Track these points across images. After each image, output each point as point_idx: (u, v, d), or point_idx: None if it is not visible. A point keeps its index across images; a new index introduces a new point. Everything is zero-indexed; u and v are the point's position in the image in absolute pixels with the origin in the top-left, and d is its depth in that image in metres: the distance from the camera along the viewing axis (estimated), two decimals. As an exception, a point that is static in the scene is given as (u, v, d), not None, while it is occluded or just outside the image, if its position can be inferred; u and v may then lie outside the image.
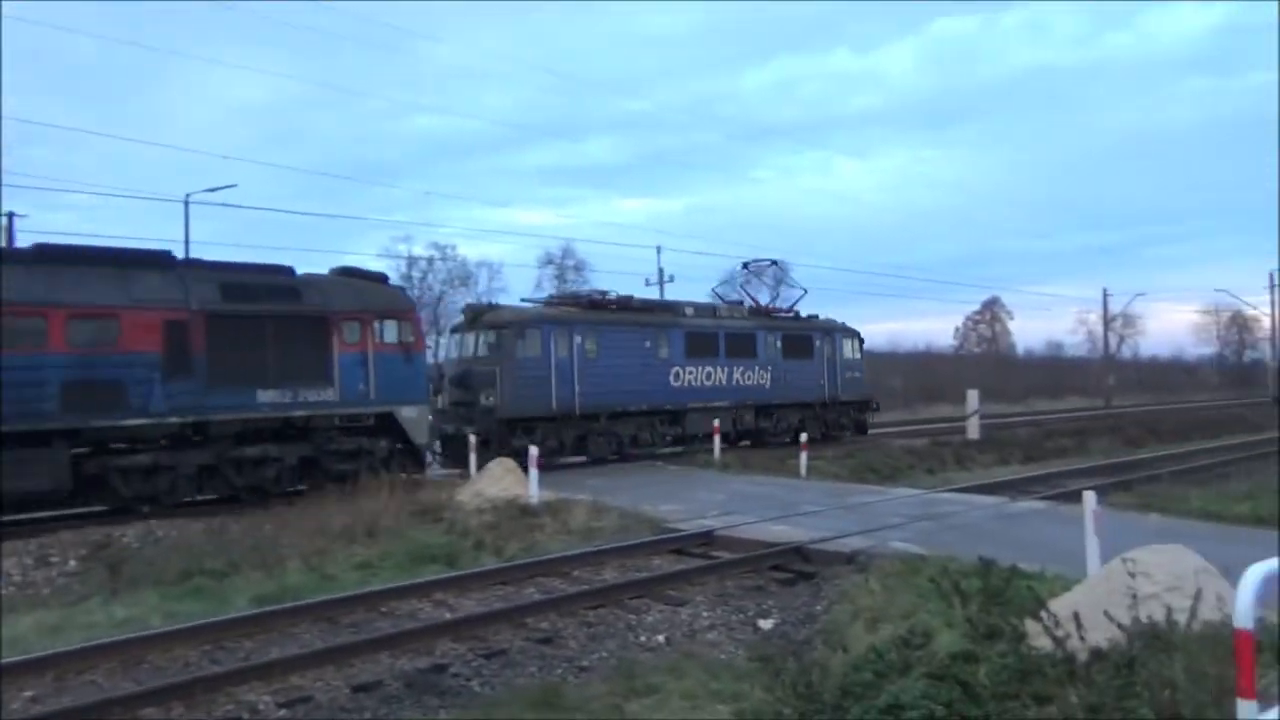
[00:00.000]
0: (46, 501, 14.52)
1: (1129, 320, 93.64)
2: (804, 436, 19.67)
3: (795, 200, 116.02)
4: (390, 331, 18.01)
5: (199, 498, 15.53)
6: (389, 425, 17.55)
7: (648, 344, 23.74)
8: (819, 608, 8.53)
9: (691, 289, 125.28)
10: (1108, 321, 71.41)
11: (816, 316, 28.44)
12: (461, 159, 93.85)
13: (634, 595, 9.11)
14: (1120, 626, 5.10)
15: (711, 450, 21.50)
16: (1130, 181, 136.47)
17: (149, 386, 15.34)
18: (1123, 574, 5.78)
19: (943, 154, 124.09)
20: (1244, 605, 3.11)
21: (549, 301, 23.83)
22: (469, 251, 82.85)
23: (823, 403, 27.67)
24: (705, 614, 8.57)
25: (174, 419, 15.48)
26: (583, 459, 19.91)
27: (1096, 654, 4.89)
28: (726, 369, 25.29)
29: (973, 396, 28.80)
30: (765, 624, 8.14)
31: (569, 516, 13.01)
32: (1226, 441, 30.78)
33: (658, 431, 22.96)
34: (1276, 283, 62.38)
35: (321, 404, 17.13)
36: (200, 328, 15.76)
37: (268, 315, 16.47)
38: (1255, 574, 3.23)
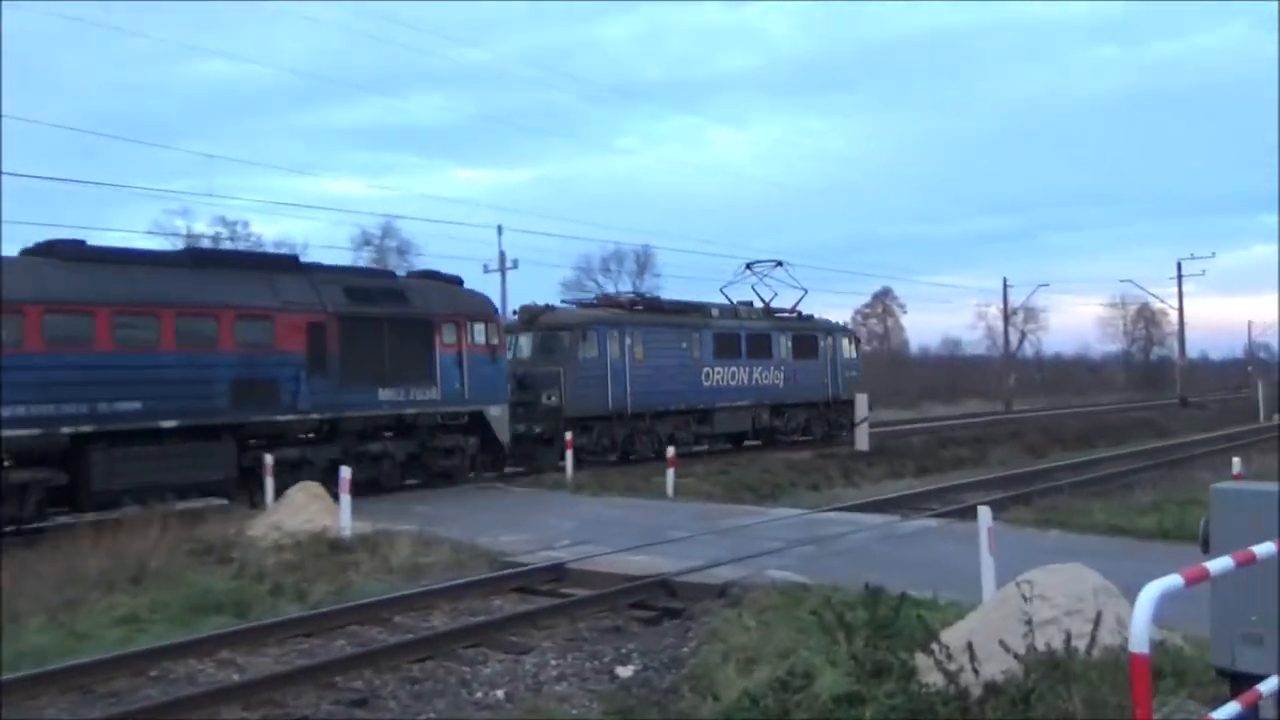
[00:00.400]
0: (217, 490, 18.47)
1: (1031, 314, 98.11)
2: (671, 451, 19.86)
3: (664, 174, 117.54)
4: (479, 333, 22.63)
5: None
6: (478, 424, 22.14)
7: (684, 345, 29.25)
8: (686, 649, 8.70)
9: (540, 277, 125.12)
10: (1008, 316, 75.35)
11: (812, 317, 34.53)
12: (253, 116, 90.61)
13: (468, 644, 9.07)
14: (1016, 656, 5.41)
15: (563, 469, 22.05)
16: (1029, 160, 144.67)
17: (296, 384, 19.64)
18: (1019, 598, 6.14)
19: (827, 124, 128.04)
20: (1139, 628, 3.35)
21: (590, 304, 29.63)
22: (264, 229, 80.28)
23: (826, 401, 33.51)
24: (554, 662, 8.61)
25: (315, 415, 19.79)
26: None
27: (991, 688, 5.18)
28: (748, 369, 30.98)
29: (861, 402, 30.21)
30: (624, 671, 8.26)
31: (390, 551, 12.85)
32: (1132, 448, 32.86)
33: (690, 430, 28.02)
34: (1182, 273, 66.66)
35: (427, 402, 21.61)
36: (334, 329, 20.13)
37: (384, 318, 20.86)
38: (1151, 593, 3.49)
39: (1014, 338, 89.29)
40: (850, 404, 32.39)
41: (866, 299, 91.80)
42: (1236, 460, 16.50)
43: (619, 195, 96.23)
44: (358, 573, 12.12)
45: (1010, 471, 25.66)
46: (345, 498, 14.38)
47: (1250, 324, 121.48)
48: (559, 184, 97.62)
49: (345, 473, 14.65)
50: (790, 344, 32.53)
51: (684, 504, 17.84)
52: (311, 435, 19.60)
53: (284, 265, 20.69)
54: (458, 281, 23.03)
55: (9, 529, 16.00)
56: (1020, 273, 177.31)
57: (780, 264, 34.40)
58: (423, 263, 53.19)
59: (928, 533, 14.05)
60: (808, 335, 33.55)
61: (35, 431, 16.35)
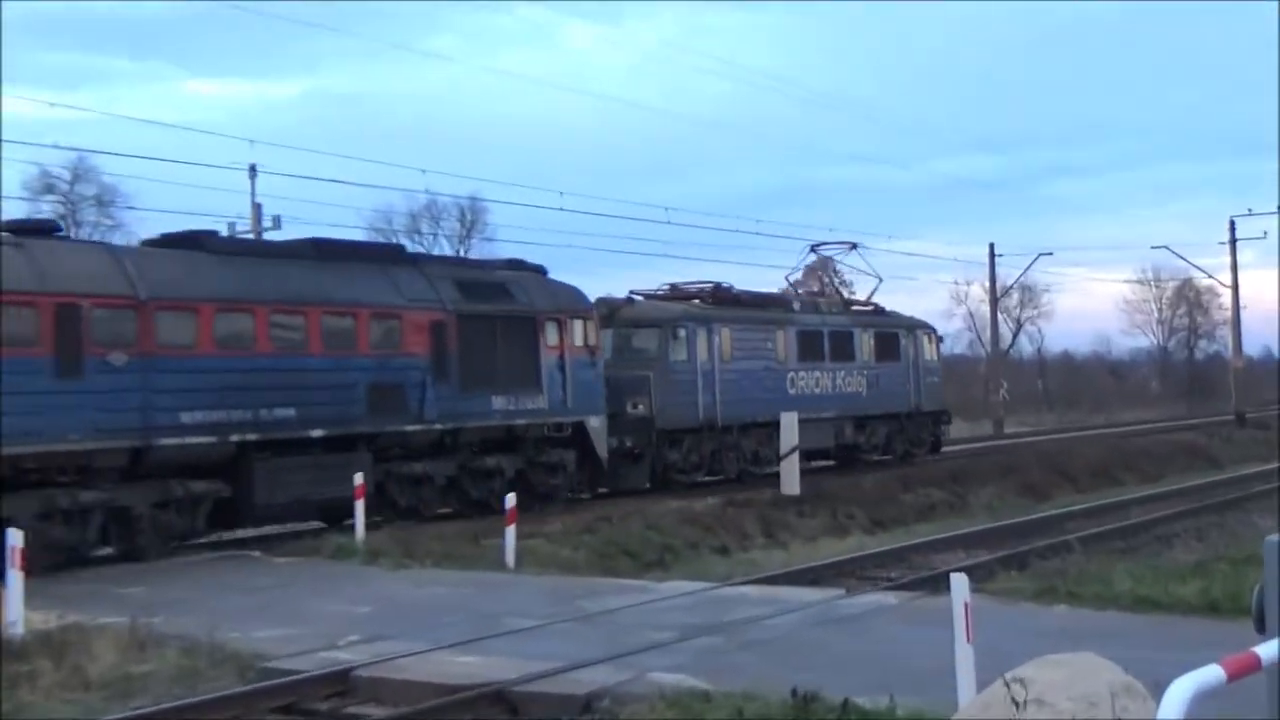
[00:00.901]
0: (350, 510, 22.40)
1: (1029, 295, 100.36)
2: (511, 500, 20.54)
3: (497, 92, 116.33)
4: (578, 333, 28.27)
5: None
6: (578, 436, 27.79)
7: (769, 344, 35.40)
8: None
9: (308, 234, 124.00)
10: (996, 298, 77.44)
11: (884, 309, 41.30)
12: None
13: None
14: (1003, 789, 5.60)
15: (350, 529, 22.46)
16: (1022, 78, 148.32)
17: (422, 391, 24.94)
18: (1008, 703, 6.36)
19: (735, 21, 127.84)
20: (1165, 742, 3.52)
21: (659, 295, 35.00)
22: None
23: (908, 413, 39.89)
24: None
25: (438, 426, 25.21)
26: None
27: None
28: (831, 374, 37.00)
29: (788, 424, 31.03)
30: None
31: (87, 656, 12.71)
32: (1170, 486, 35.47)
33: (774, 446, 32.16)
34: (1237, 236, 69.29)
35: (535, 412, 27.22)
36: (453, 329, 25.63)
37: (495, 316, 26.48)
38: (1181, 692, 3.67)
39: (1006, 329, 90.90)
40: (934, 416, 40.34)
41: (796, 271, 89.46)
42: None
43: (432, 122, 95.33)
44: (34, 690, 11.91)
45: (1000, 522, 26.82)
46: (14, 578, 14.23)
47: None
48: (341, 104, 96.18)
49: (14, 539, 14.81)
50: (873, 343, 38.64)
51: (531, 577, 18.18)
52: (431, 448, 25.43)
53: (397, 256, 27.06)
54: (542, 271, 28.76)
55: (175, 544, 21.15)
56: (1013, 237, 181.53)
57: (855, 246, 41.57)
58: (140, 222, 52.47)
59: (881, 613, 14.55)
60: (889, 333, 39.75)
61: (210, 439, 21.88)
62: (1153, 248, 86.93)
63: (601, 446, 28.49)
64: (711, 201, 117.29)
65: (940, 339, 43.92)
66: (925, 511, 29.06)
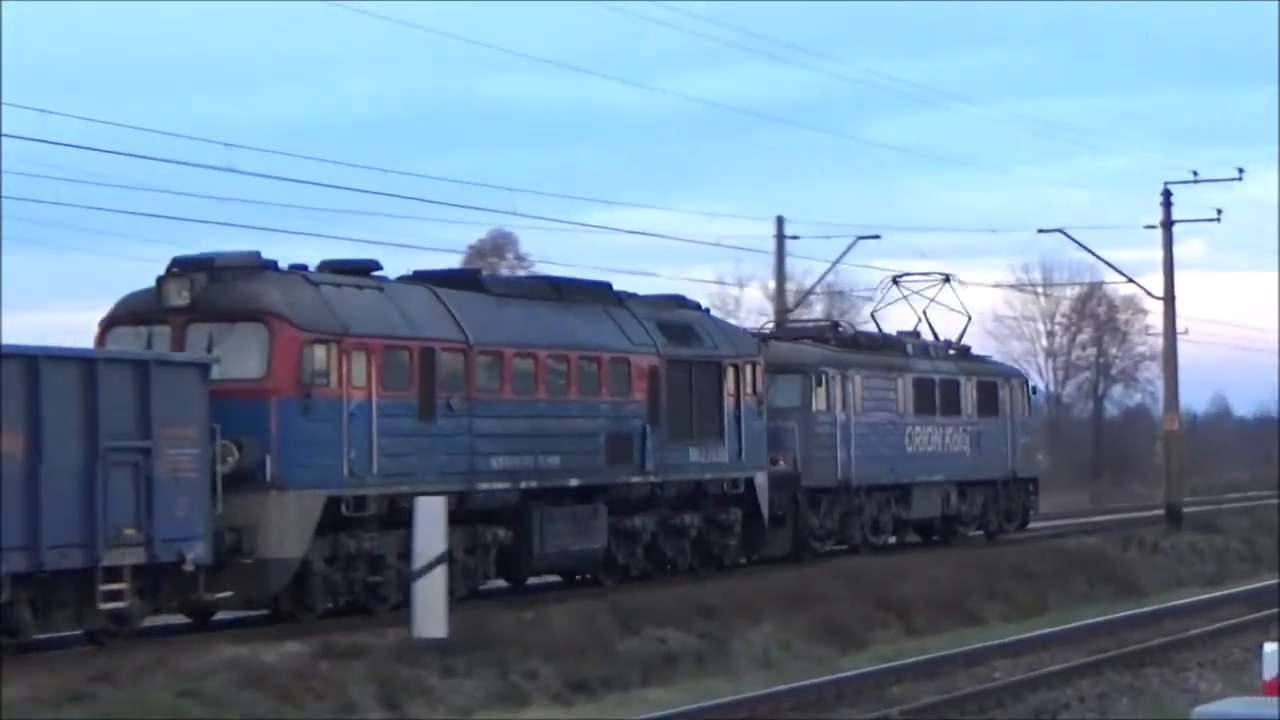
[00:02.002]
0: (585, 569, 25.91)
1: (837, 299, 64.60)
2: None
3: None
4: (749, 379, 28.78)
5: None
6: (745, 494, 28.69)
7: (891, 395, 34.77)
8: None
9: None
10: (786, 307, 50.85)
11: (972, 352, 40.41)
12: None
13: None
14: None
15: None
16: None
17: (642, 440, 25.79)
18: None
19: None
20: None
21: (777, 336, 34.87)
22: None
23: (1006, 479, 38.79)
24: None
25: (652, 478, 26.18)
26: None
27: None
28: (941, 430, 36.01)
29: (429, 514, 19.90)
30: None
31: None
32: (1057, 625, 25.83)
33: (890, 513, 33.71)
34: (1173, 216, 45.96)
35: (718, 465, 27.99)
36: (664, 375, 26.63)
37: (692, 361, 27.42)
38: None
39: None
40: (1029, 484, 39.63)
41: (460, 251, 60.41)
42: (1272, 648, 11.33)
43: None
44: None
45: (778, 686, 18.67)
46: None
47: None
48: None
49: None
50: (975, 395, 38.03)
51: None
52: (639, 502, 26.53)
53: (609, 295, 27.54)
54: (702, 309, 30.50)
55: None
56: (819, 206, 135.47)
57: (949, 279, 39.88)
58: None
59: None
60: (989, 382, 39.09)
61: (507, 486, 23.38)
62: (1041, 232, 47.53)
63: (765, 505, 29.35)
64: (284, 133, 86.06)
65: (1035, 389, 43.50)
66: (658, 666, 20.72)
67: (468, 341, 22.90)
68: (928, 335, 39.89)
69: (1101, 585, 32.24)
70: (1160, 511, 45.50)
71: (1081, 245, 48.08)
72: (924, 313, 38.83)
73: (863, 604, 25.61)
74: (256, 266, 21.28)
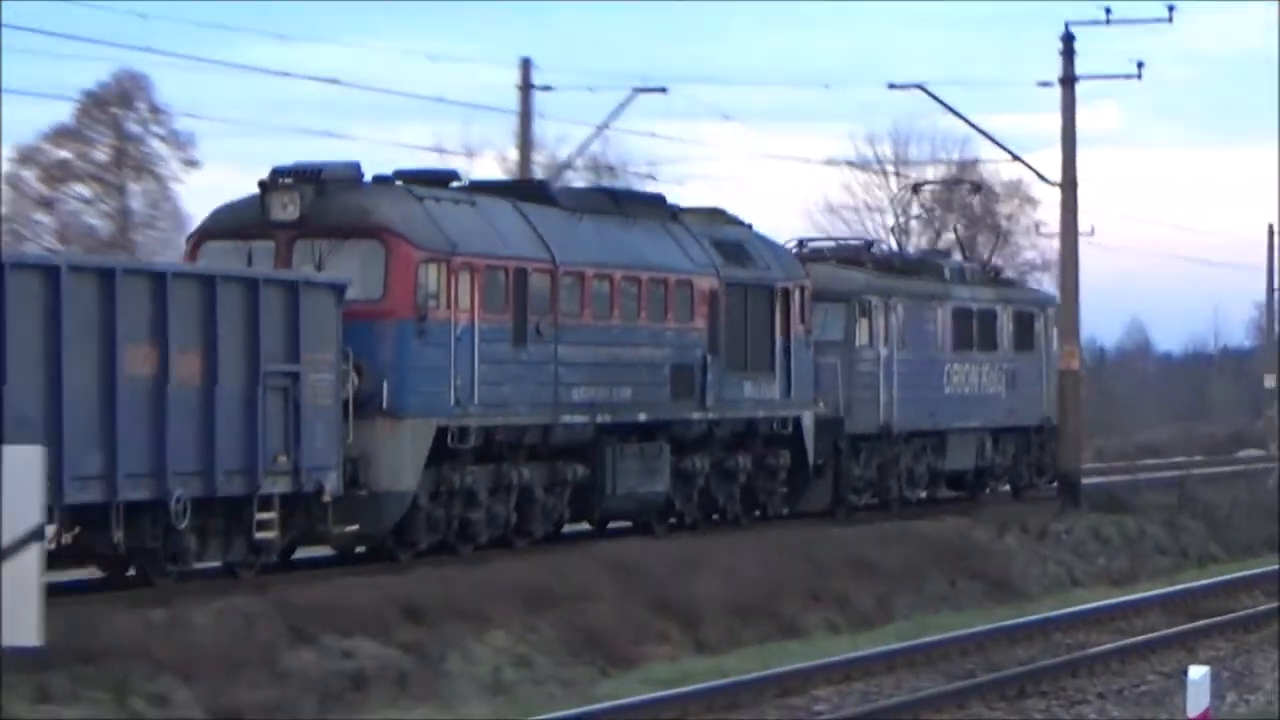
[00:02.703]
0: (647, 514, 27.90)
1: (610, 178, 58.51)
2: None
3: None
4: (797, 305, 30.56)
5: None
6: (793, 435, 30.59)
7: (931, 327, 36.02)
8: None
9: None
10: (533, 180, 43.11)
11: (1002, 274, 43.12)
12: None
13: None
14: None
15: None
16: None
17: (702, 373, 27.69)
18: None
19: None
20: None
21: (818, 254, 35.95)
22: None
23: (1038, 427, 39.89)
24: None
25: (711, 415, 28.16)
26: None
27: None
28: (978, 369, 37.42)
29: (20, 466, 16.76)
30: None
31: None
32: (903, 640, 22.42)
33: (925, 463, 35.24)
34: (1076, 72, 39.92)
35: (769, 403, 29.93)
36: (723, 300, 28.48)
37: (747, 284, 29.30)
38: None
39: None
40: (1055, 433, 39.93)
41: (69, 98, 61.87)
42: (1200, 673, 10.97)
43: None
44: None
45: None
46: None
47: (1273, 232, 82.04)
48: None
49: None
50: (1012, 328, 39.26)
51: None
52: (694, 443, 28.58)
53: (663, 208, 29.51)
54: (747, 225, 32.21)
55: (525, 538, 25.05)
56: (560, 45, 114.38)
57: (979, 189, 42.10)
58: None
59: None
60: (1026, 312, 40.40)
61: (584, 420, 25.50)
62: (893, 89, 41.20)
63: (811, 449, 31.16)
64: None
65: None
66: (341, 691, 17.33)
67: (554, 261, 24.92)
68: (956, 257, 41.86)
69: (968, 584, 28.24)
70: (1051, 483, 40.58)
71: (948, 108, 40.26)
72: (956, 229, 41.94)
73: (635, 605, 21.99)
74: (363, 179, 23.27)
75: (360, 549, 23.48)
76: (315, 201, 22.31)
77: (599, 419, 26.01)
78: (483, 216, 24.43)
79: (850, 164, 69.07)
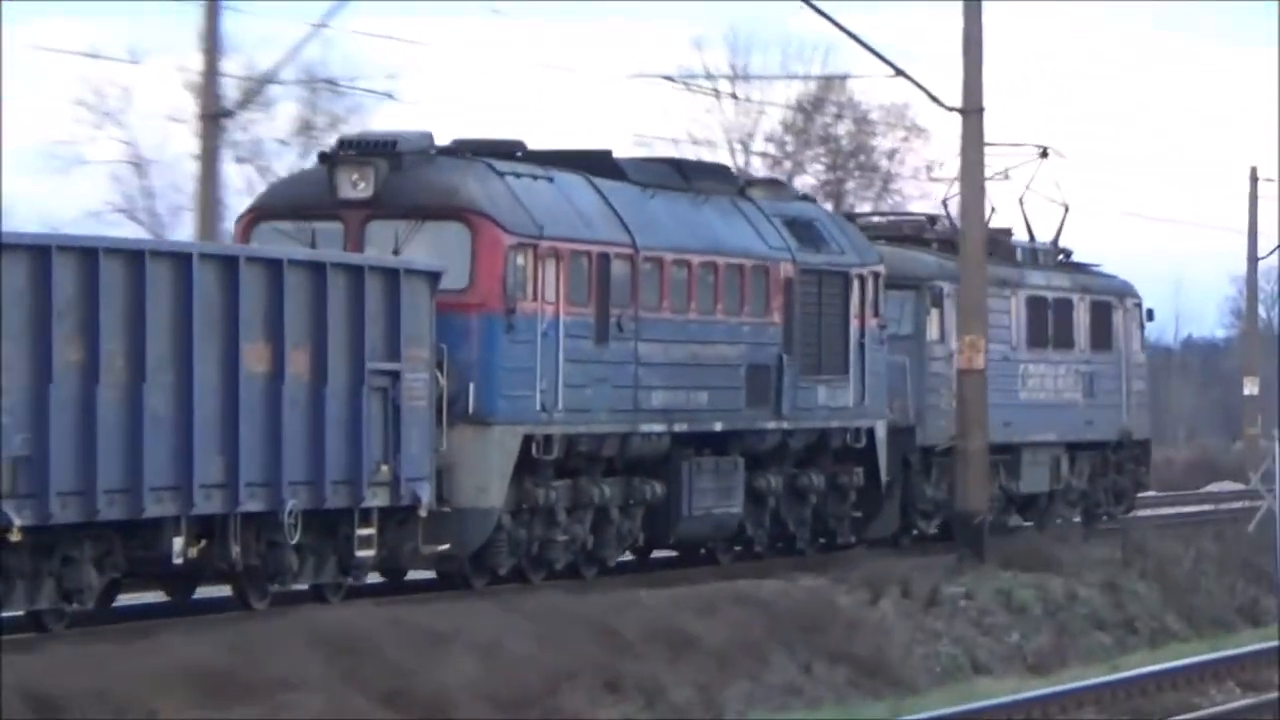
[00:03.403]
0: (719, 539, 28.91)
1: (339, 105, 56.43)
2: None
3: None
4: (871, 295, 31.21)
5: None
6: (865, 448, 31.14)
7: (1005, 320, 36.20)
8: None
9: None
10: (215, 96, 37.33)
11: (1072, 258, 41.84)
12: None
13: None
14: None
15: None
16: None
17: (778, 376, 28.54)
18: None
19: None
20: None
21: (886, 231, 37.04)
22: None
23: (1118, 442, 40.37)
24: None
25: (787, 424, 29.07)
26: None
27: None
28: (1054, 370, 38.06)
29: None
30: None
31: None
32: None
33: (997, 483, 35.31)
34: None
35: (843, 410, 30.55)
36: (796, 288, 29.16)
37: (821, 271, 29.85)
38: None
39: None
40: (1141, 448, 40.59)
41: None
42: None
43: None
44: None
45: None
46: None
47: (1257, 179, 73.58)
48: None
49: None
50: (1089, 321, 39.40)
51: None
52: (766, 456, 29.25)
53: (731, 181, 30.85)
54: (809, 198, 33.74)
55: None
56: None
57: (1046, 154, 38.74)
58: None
59: None
60: (1103, 302, 40.29)
61: (661, 428, 26.14)
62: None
63: (884, 464, 31.52)
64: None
65: (1150, 312, 43.83)
66: None
67: (634, 245, 25.35)
68: (1022, 236, 39.05)
69: (828, 669, 24.04)
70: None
71: (811, 5, 32.02)
72: (1021, 202, 38.69)
73: (358, 697, 18.79)
74: (438, 151, 23.88)
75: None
76: (390, 178, 22.87)
77: (675, 428, 26.42)
78: (562, 194, 24.90)
79: (670, 79, 53.36)
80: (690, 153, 60.40)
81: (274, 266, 19.54)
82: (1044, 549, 32.09)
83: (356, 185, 23.13)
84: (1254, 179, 70.49)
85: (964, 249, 32.96)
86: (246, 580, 20.05)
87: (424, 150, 23.84)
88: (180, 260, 18.41)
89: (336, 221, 23.20)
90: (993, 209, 36.57)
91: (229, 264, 19.01)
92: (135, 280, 17.65)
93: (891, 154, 68.73)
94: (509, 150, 25.88)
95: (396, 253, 22.67)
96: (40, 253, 16.71)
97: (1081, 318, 38.84)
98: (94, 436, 17.01)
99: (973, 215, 32.78)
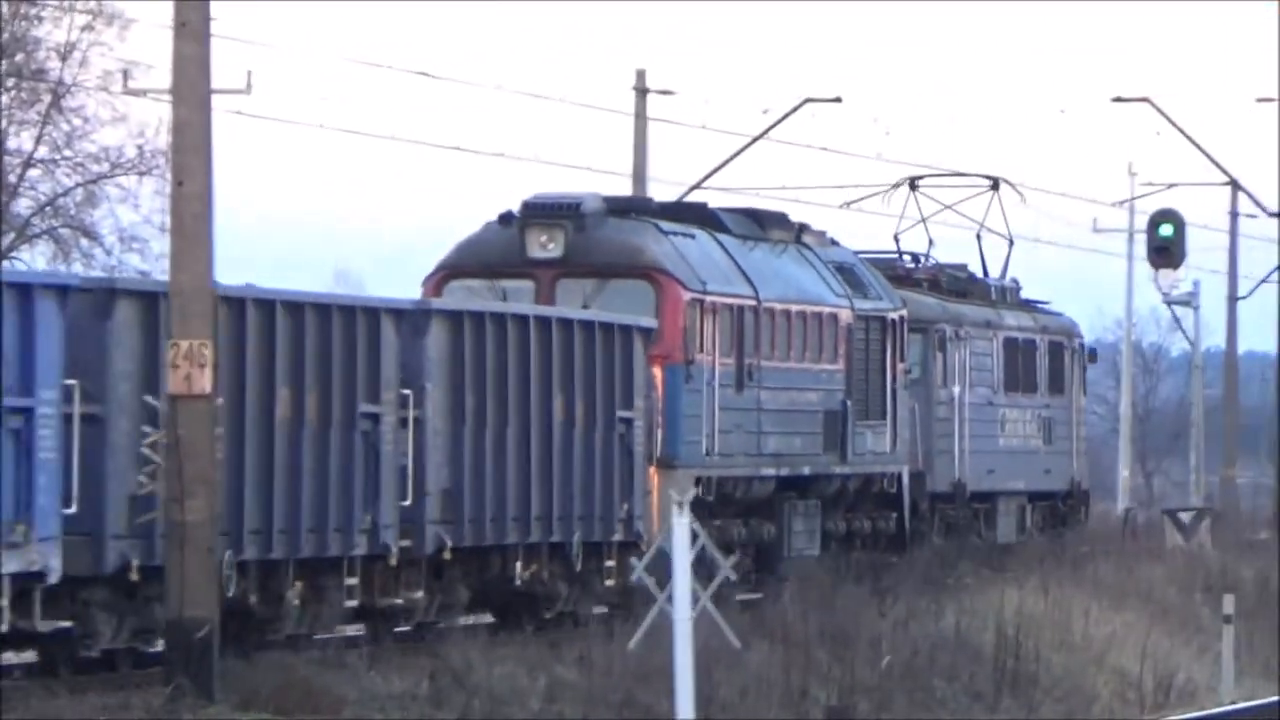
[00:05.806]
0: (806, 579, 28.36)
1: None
2: None
3: None
4: (898, 338, 32.71)
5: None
6: (894, 493, 32.99)
7: (988, 363, 37.64)
8: None
9: None
10: None
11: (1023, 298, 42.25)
12: None
13: None
14: None
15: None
16: None
17: (843, 420, 30.31)
18: None
19: None
20: None
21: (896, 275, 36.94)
22: None
23: (1067, 491, 41.20)
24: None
25: (847, 469, 30.74)
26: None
27: None
28: (1022, 415, 38.96)
29: None
30: None
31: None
32: None
33: (978, 528, 36.27)
34: None
35: (882, 455, 32.23)
36: (853, 334, 30.86)
37: (869, 316, 31.48)
38: None
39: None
40: (1086, 499, 41.28)
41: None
42: None
43: None
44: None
45: None
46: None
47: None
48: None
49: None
50: (1048, 364, 40.13)
51: None
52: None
53: (789, 226, 31.27)
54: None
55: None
56: None
57: (997, 185, 40.29)
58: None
59: None
60: (1057, 343, 41.09)
61: (771, 471, 28.14)
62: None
63: (906, 509, 32.91)
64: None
65: (1092, 351, 45.41)
66: None
67: (758, 297, 27.29)
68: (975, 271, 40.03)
69: None
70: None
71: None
72: (978, 237, 40.45)
73: None
74: (613, 212, 25.81)
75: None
76: (576, 238, 24.74)
77: (781, 472, 27.90)
78: (703, 250, 26.87)
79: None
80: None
81: (544, 324, 22.13)
82: (313, 679, 19.14)
83: (546, 246, 24.97)
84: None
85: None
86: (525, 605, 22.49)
87: (601, 211, 25.58)
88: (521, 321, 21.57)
89: (527, 280, 24.90)
90: (931, 241, 40.12)
91: (531, 323, 21.67)
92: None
93: (66, 51, 48.37)
94: (645, 207, 28.05)
95: (585, 308, 24.32)
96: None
97: (1042, 360, 39.88)
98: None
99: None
